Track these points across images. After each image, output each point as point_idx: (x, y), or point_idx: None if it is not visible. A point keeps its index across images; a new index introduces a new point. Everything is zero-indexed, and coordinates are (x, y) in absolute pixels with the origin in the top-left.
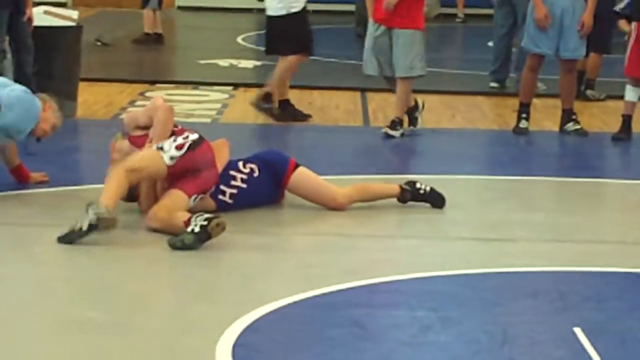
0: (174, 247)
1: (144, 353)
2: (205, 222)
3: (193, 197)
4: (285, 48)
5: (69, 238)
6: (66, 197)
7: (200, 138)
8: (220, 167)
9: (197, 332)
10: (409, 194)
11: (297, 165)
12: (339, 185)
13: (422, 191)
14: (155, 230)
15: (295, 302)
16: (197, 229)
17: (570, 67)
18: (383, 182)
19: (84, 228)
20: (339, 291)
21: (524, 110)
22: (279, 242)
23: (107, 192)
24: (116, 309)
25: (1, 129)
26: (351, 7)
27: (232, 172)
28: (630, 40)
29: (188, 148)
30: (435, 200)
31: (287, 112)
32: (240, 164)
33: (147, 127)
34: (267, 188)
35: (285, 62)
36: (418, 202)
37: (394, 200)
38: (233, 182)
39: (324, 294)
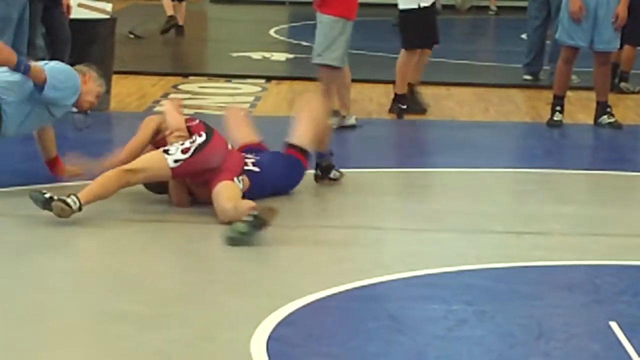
0: (233, 241)
1: (179, 345)
2: (255, 211)
3: (236, 180)
4: (410, 41)
5: (33, 196)
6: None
7: (208, 137)
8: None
9: (231, 326)
10: None
11: None
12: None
13: None
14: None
15: (329, 296)
16: (249, 218)
17: (605, 60)
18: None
19: (46, 195)
20: (373, 285)
21: (558, 102)
22: (310, 236)
23: (89, 187)
24: (151, 302)
25: (43, 103)
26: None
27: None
28: None
29: (194, 151)
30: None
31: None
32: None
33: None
34: (283, 169)
35: (404, 57)
36: None
37: (425, 192)
38: (245, 167)
39: (358, 288)
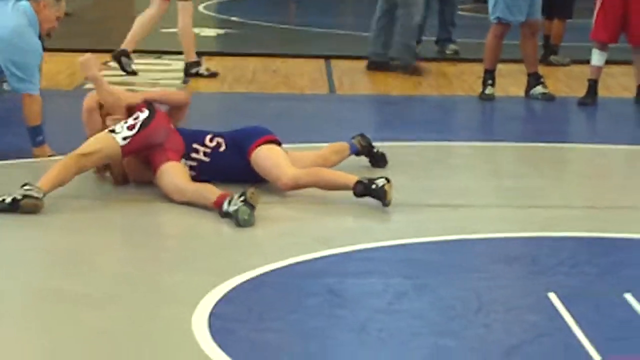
0: (244, 223)
1: (120, 324)
2: (242, 197)
3: (183, 162)
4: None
5: None
6: (27, 169)
7: (151, 114)
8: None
9: (172, 303)
10: (362, 187)
11: (269, 142)
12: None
13: (373, 186)
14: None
15: (269, 272)
16: (240, 204)
17: (536, 30)
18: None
19: (7, 201)
20: (313, 260)
21: (489, 76)
22: None
23: (48, 175)
24: (91, 281)
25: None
26: None
27: (195, 145)
28: (597, 4)
29: (140, 127)
30: (382, 196)
31: None
32: (208, 137)
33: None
34: (236, 164)
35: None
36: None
37: (365, 164)
38: (194, 155)
39: (297, 263)
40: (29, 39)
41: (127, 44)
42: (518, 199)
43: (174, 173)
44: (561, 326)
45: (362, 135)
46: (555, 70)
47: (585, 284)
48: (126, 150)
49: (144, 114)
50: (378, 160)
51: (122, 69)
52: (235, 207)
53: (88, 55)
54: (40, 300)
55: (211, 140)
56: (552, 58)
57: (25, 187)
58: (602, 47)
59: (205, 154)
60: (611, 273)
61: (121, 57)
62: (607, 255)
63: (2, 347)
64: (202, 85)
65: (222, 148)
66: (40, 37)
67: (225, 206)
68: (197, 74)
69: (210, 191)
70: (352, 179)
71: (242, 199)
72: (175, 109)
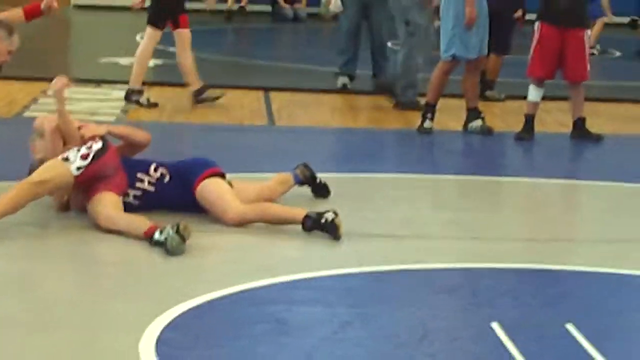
0: (172, 253)
1: (67, 351)
2: (175, 228)
3: (121, 197)
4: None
5: None
6: None
7: (104, 146)
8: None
9: (118, 329)
10: (311, 222)
11: (214, 175)
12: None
13: (323, 220)
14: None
15: (214, 299)
16: (171, 233)
17: (479, 65)
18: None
19: None
20: (258, 288)
21: (429, 110)
22: (193, 239)
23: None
24: (36, 307)
25: None
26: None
27: (140, 175)
28: (534, 40)
29: (93, 158)
30: (333, 230)
31: None
32: (152, 167)
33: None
34: (181, 196)
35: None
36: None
37: (308, 194)
38: (139, 185)
39: (243, 291)
40: None
41: (189, 81)
42: (458, 230)
43: (107, 202)
44: (505, 356)
45: (304, 166)
46: (491, 105)
47: (527, 315)
48: (79, 180)
49: (97, 145)
50: (321, 190)
51: (204, 100)
52: (166, 236)
53: (63, 79)
54: None
55: (155, 169)
56: (488, 93)
57: None
58: (539, 83)
59: (149, 183)
60: (553, 304)
61: (200, 95)
62: (548, 286)
63: None
64: (142, 115)
65: (167, 179)
66: None
67: (156, 236)
68: (137, 103)
69: (141, 222)
70: (299, 213)
71: (174, 229)
72: (131, 146)
